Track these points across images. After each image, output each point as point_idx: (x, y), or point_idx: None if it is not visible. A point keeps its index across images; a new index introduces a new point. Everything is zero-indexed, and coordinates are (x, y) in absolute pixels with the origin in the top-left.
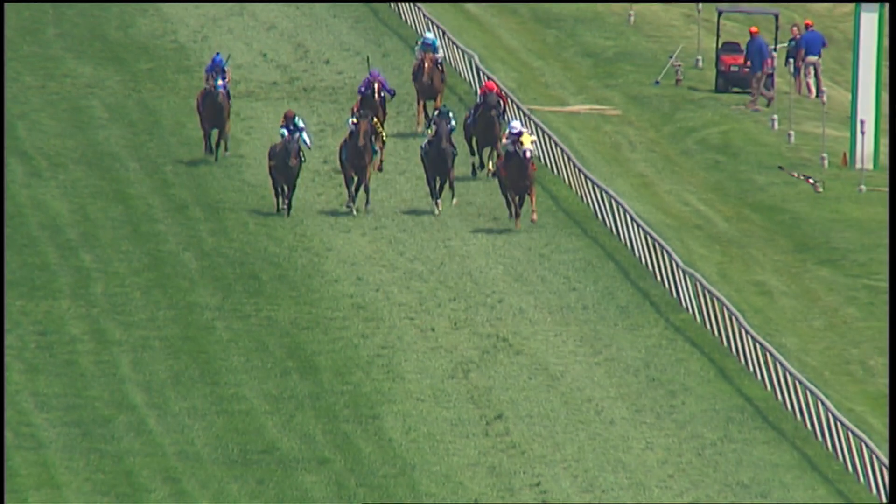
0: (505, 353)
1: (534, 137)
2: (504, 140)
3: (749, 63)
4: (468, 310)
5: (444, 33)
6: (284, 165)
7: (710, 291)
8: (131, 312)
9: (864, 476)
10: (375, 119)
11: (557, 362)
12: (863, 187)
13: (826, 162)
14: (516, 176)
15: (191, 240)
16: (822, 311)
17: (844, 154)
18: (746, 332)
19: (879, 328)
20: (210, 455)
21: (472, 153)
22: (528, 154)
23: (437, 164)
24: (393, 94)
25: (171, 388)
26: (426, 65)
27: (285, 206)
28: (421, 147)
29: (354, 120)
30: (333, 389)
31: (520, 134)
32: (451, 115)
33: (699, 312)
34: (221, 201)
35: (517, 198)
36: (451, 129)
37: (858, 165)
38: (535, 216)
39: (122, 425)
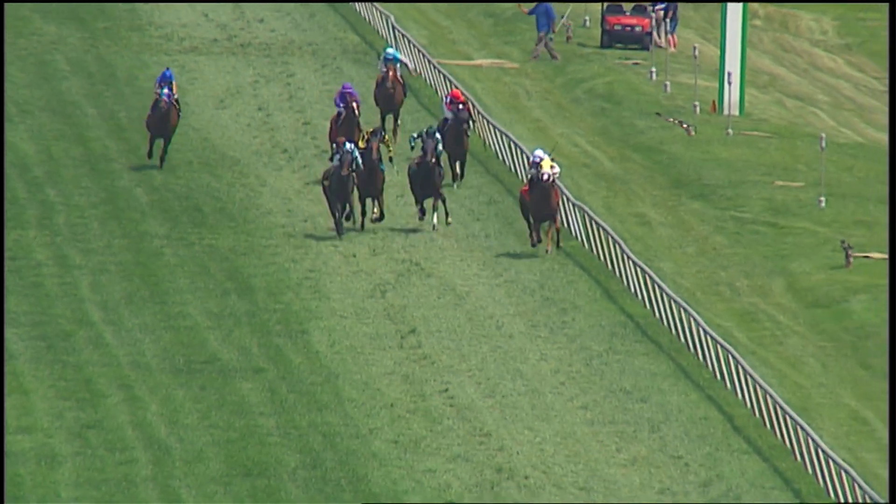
0: (417, 275)
1: (554, 164)
2: (529, 167)
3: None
4: (385, 238)
5: None
6: (340, 186)
7: (596, 222)
8: (90, 240)
9: (730, 383)
10: (386, 136)
11: (463, 284)
12: (730, 131)
13: (698, 109)
14: (539, 202)
15: (142, 177)
16: (694, 240)
17: (714, 102)
18: (628, 258)
19: (745, 254)
20: (159, 365)
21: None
22: (545, 177)
23: (424, 182)
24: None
25: (124, 306)
26: (391, 74)
27: (359, 220)
28: (408, 167)
29: (352, 144)
30: (267, 308)
31: (541, 160)
32: (437, 135)
33: (587, 240)
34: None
35: (538, 224)
36: (438, 147)
37: (726, 112)
38: (549, 247)
39: (81, 339)
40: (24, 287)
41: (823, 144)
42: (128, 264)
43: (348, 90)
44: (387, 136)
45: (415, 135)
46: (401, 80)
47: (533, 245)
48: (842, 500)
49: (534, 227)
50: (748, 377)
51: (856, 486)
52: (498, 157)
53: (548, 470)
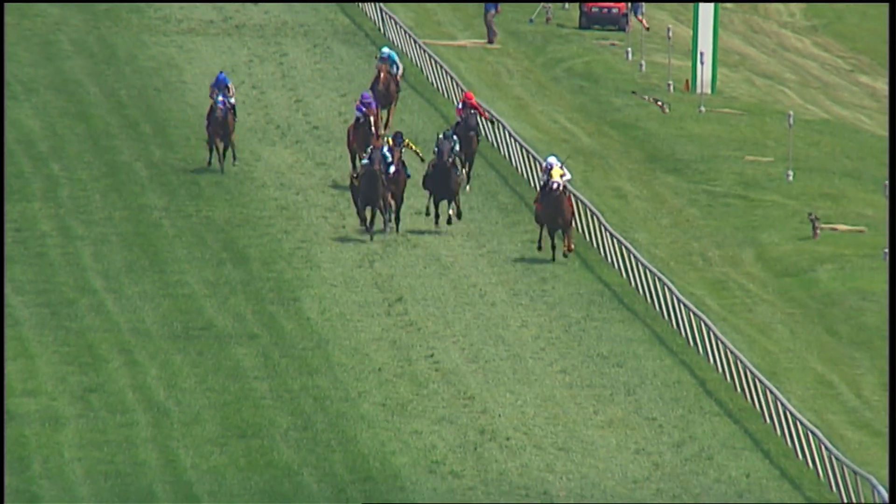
0: (404, 246)
1: (564, 171)
2: (540, 173)
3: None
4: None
5: None
6: (370, 184)
7: (574, 194)
8: (92, 212)
9: (702, 348)
10: (406, 140)
11: (448, 254)
12: (702, 108)
13: (671, 87)
14: (551, 211)
15: (142, 152)
16: (668, 212)
17: (687, 81)
18: (605, 229)
19: (716, 226)
20: (158, 331)
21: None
22: (555, 186)
23: (439, 183)
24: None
25: (125, 275)
26: (382, 75)
27: (385, 225)
28: (426, 171)
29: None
30: (261, 276)
31: (551, 167)
32: (454, 137)
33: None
34: (167, 119)
35: (553, 232)
36: (454, 149)
37: (699, 90)
38: (569, 248)
39: (84, 306)
40: (29, 257)
41: (791, 121)
42: (128, 235)
43: (367, 100)
44: (407, 140)
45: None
46: (395, 78)
47: (539, 248)
48: (809, 460)
49: (546, 234)
50: (719, 343)
51: (822, 446)
52: (481, 133)
53: (528, 431)
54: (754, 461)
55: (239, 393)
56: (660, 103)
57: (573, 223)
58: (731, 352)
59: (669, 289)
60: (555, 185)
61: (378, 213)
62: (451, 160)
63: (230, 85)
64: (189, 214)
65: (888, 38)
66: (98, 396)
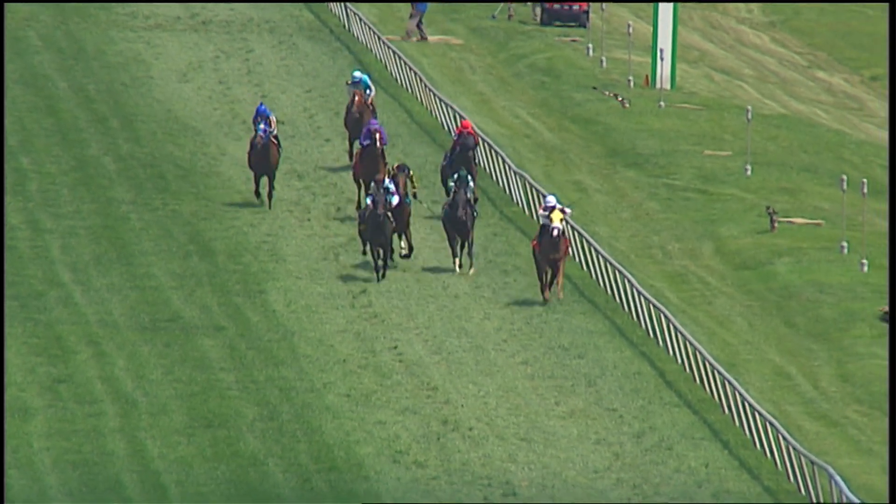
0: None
1: (563, 216)
2: (541, 211)
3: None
4: (338, 203)
5: None
6: (376, 227)
7: (536, 189)
8: (60, 205)
9: (662, 340)
10: (411, 173)
11: (418, 253)
12: (662, 104)
13: (632, 83)
14: (548, 250)
15: (110, 146)
16: (628, 205)
17: (647, 76)
18: (567, 223)
19: (676, 219)
20: (125, 323)
21: (448, 194)
22: (555, 232)
23: (456, 229)
24: (385, 144)
25: (93, 267)
26: (357, 99)
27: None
28: (442, 209)
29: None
30: (227, 269)
31: (552, 209)
32: (469, 180)
33: (527, 206)
34: (134, 114)
35: (549, 270)
36: (471, 195)
37: (658, 86)
38: (560, 293)
39: (52, 298)
40: None
41: (749, 116)
42: (96, 228)
43: (374, 125)
44: (412, 172)
45: (451, 183)
46: (369, 105)
47: (541, 290)
48: (767, 450)
49: (544, 272)
50: (679, 335)
51: (780, 437)
52: (444, 127)
53: (491, 422)
54: (713, 451)
55: (205, 384)
56: (620, 99)
57: (563, 263)
58: (691, 343)
59: (630, 281)
60: (555, 232)
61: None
62: (465, 208)
63: (272, 117)
64: (156, 208)
65: (888, 38)
66: (66, 387)
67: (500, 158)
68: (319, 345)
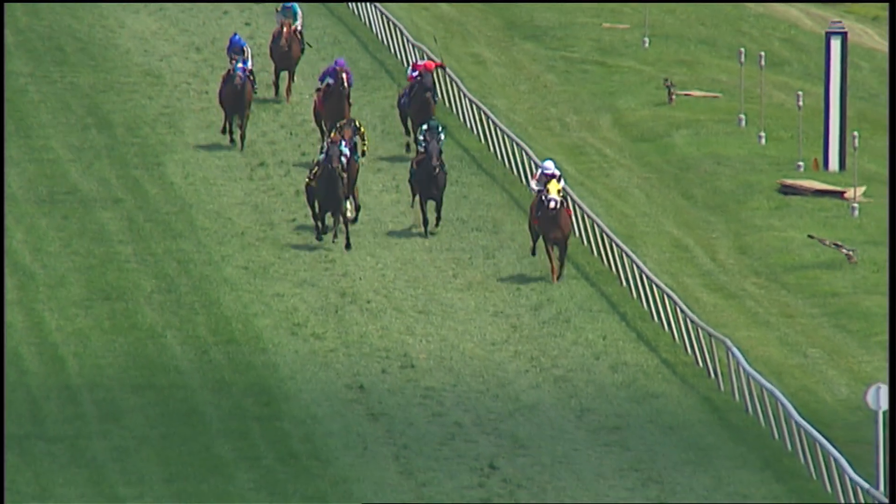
0: (267, 111)
1: (561, 185)
2: (533, 181)
3: None
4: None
5: None
6: (329, 184)
7: (434, 60)
8: None
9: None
10: (362, 129)
11: (308, 116)
12: None
13: None
14: (548, 226)
15: (8, 18)
16: (526, 78)
17: None
18: (465, 95)
19: (574, 92)
20: (24, 196)
21: (407, 133)
22: (552, 204)
23: (426, 186)
24: (352, 85)
25: None
26: (284, 30)
27: (336, 231)
28: (409, 168)
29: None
30: (125, 141)
31: (550, 178)
32: (440, 129)
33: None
34: None
35: (552, 247)
36: (441, 146)
37: None
38: (556, 278)
39: None
40: None
41: None
42: None
43: (341, 64)
44: (362, 129)
45: (420, 137)
46: (298, 36)
47: (532, 253)
48: (664, 323)
49: (548, 251)
50: (576, 206)
51: (678, 309)
52: (350, 7)
53: (389, 294)
54: (611, 323)
55: (103, 256)
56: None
57: (567, 241)
58: (588, 215)
59: (527, 154)
60: (552, 204)
61: (336, 216)
62: (439, 159)
63: (246, 48)
64: (54, 80)
65: (888, 38)
66: None
67: (398, 30)
68: (217, 217)
